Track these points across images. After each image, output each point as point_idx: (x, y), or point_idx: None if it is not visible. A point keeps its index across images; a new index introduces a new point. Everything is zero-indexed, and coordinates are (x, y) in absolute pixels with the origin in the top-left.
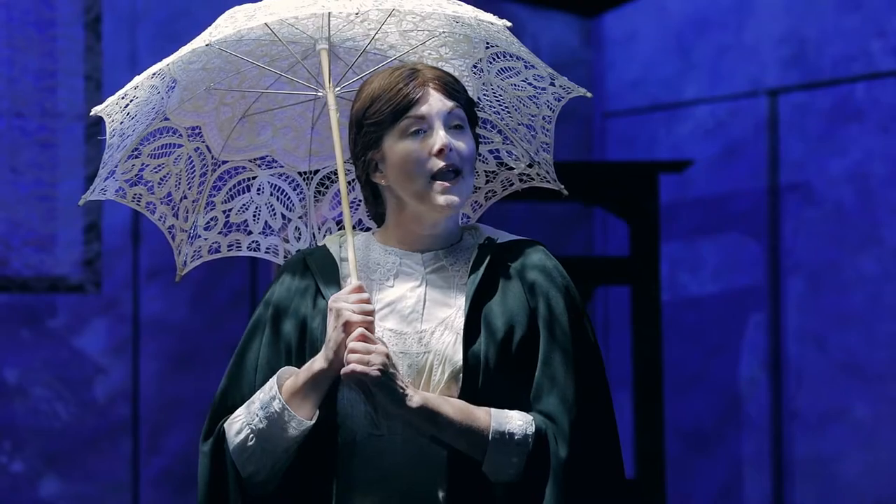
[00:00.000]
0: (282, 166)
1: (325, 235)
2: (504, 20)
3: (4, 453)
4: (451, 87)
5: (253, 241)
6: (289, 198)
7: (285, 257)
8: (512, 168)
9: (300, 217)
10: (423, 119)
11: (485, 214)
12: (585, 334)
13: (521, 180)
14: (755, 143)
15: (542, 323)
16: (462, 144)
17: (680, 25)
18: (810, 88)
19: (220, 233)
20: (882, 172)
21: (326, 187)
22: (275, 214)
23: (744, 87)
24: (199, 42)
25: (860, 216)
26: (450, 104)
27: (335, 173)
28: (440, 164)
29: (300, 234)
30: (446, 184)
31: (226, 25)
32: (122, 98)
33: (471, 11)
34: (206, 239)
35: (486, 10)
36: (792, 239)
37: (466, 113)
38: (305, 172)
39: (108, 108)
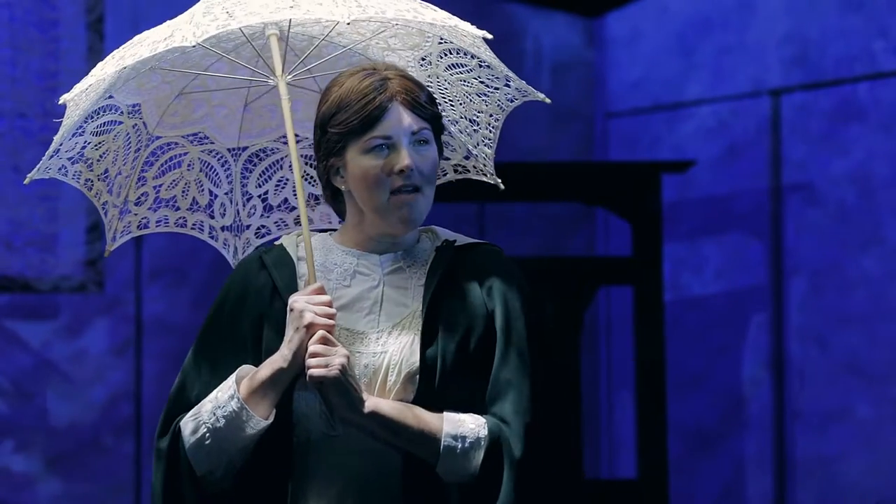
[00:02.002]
0: (212, 143)
1: (249, 212)
2: (483, 31)
3: (7, 453)
4: (418, 101)
5: (180, 217)
6: (217, 174)
7: (210, 234)
8: (447, 158)
9: (226, 193)
10: (388, 137)
11: (486, 214)
12: (542, 338)
13: (455, 171)
14: (757, 144)
15: (499, 325)
16: (425, 161)
17: (682, 25)
18: (813, 88)
19: (149, 208)
20: (884, 172)
21: (254, 164)
22: (203, 190)
23: (746, 88)
24: (180, 41)
25: (863, 216)
26: (416, 121)
27: (263, 150)
28: (399, 183)
29: (225, 210)
30: (403, 197)
31: (207, 24)
32: (89, 87)
33: (447, 20)
34: (135, 214)
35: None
36: (794, 239)
37: (433, 126)
38: (234, 148)
39: (76, 97)
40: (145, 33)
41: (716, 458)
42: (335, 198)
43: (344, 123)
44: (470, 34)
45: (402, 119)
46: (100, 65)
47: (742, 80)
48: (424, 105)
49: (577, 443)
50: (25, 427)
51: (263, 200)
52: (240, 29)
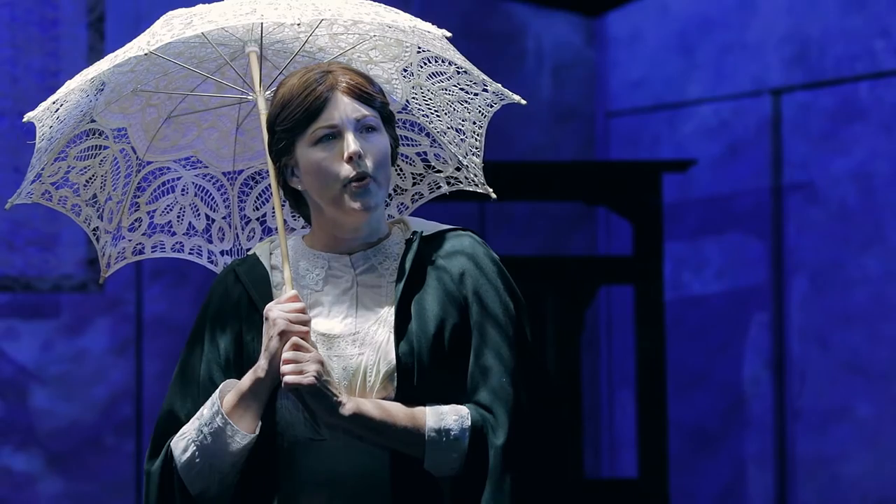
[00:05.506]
0: (206, 166)
1: (248, 236)
2: (443, 30)
3: (8, 452)
4: (361, 88)
5: (177, 243)
6: (213, 198)
7: (209, 259)
8: (440, 171)
9: (224, 217)
10: (332, 126)
11: (488, 213)
12: (518, 318)
13: (448, 183)
14: (758, 143)
15: (473, 312)
16: (373, 148)
17: (683, 25)
18: (814, 88)
19: (144, 234)
20: (885, 172)
21: (251, 187)
22: (199, 215)
23: (747, 87)
24: (135, 51)
25: (864, 215)
26: (360, 108)
27: (259, 173)
28: (350, 171)
29: (223, 234)
30: (356, 186)
31: (163, 34)
32: (54, 104)
33: (408, 21)
34: (130, 240)
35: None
36: (795, 238)
37: (380, 113)
38: (230, 172)
39: (41, 114)
40: (114, 52)
41: (716, 458)
42: (298, 203)
43: (289, 119)
44: (433, 35)
45: (346, 107)
46: (67, 83)
47: (743, 80)
48: (369, 93)
49: (565, 423)
50: (26, 426)
51: (262, 223)
52: (217, 50)
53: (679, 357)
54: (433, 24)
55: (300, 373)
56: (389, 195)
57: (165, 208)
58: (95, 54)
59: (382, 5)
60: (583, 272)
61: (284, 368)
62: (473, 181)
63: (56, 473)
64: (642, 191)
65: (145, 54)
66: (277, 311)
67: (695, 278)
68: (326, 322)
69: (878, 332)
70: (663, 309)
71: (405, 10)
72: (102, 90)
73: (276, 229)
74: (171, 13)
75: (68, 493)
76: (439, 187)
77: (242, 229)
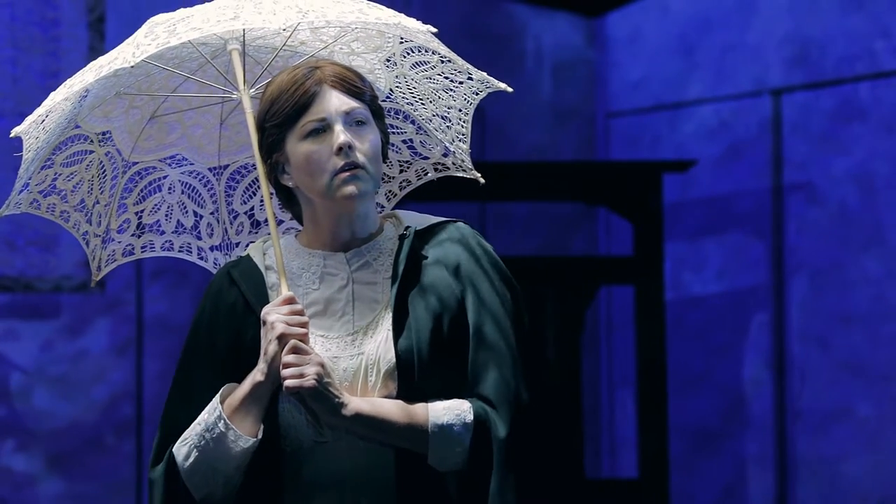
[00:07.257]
0: (192, 163)
1: (237, 230)
2: (429, 26)
3: (8, 453)
4: (349, 82)
5: (166, 241)
6: (200, 194)
7: (199, 256)
8: (426, 157)
9: (212, 213)
10: (321, 119)
11: (487, 214)
12: (515, 307)
13: (435, 169)
14: (759, 143)
15: (469, 304)
16: (363, 141)
17: (683, 25)
18: (814, 88)
19: (133, 235)
20: (886, 172)
21: (237, 181)
22: (186, 212)
23: (747, 87)
24: (120, 62)
25: (864, 216)
26: (349, 101)
27: (245, 167)
28: (340, 162)
29: (212, 230)
30: (346, 174)
31: (147, 43)
32: (39, 116)
33: (392, 17)
34: (119, 242)
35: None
36: (795, 239)
37: (370, 107)
38: (215, 167)
39: (27, 128)
40: (97, 60)
41: (717, 458)
42: (290, 201)
43: (278, 114)
44: (418, 31)
45: (334, 100)
46: (51, 94)
47: (743, 80)
48: (358, 87)
49: (566, 415)
50: (27, 427)
51: (250, 217)
52: (198, 49)
53: (679, 357)
54: (433, 24)
55: (301, 376)
56: None
57: (153, 208)
58: (96, 54)
59: (366, 2)
60: (583, 272)
61: (285, 372)
62: (461, 166)
63: (56, 474)
64: (642, 191)
65: (131, 67)
66: (275, 315)
67: (695, 278)
68: (324, 321)
69: (878, 332)
70: (664, 309)
71: (406, 11)
72: (86, 96)
73: (266, 222)
74: (153, 19)
75: (68, 493)
76: (427, 174)
77: (231, 224)
